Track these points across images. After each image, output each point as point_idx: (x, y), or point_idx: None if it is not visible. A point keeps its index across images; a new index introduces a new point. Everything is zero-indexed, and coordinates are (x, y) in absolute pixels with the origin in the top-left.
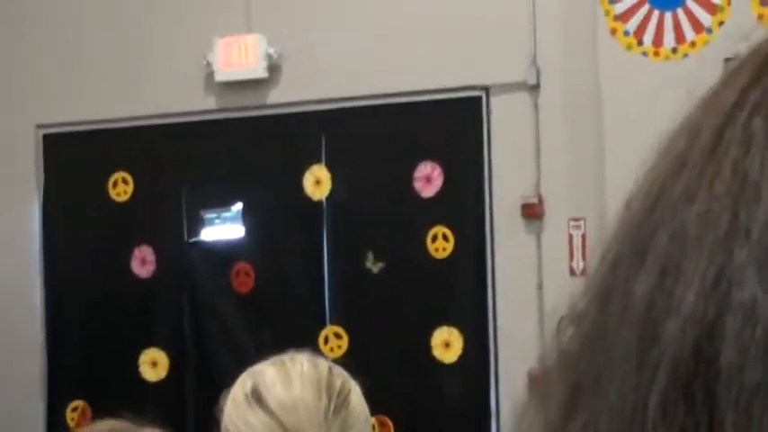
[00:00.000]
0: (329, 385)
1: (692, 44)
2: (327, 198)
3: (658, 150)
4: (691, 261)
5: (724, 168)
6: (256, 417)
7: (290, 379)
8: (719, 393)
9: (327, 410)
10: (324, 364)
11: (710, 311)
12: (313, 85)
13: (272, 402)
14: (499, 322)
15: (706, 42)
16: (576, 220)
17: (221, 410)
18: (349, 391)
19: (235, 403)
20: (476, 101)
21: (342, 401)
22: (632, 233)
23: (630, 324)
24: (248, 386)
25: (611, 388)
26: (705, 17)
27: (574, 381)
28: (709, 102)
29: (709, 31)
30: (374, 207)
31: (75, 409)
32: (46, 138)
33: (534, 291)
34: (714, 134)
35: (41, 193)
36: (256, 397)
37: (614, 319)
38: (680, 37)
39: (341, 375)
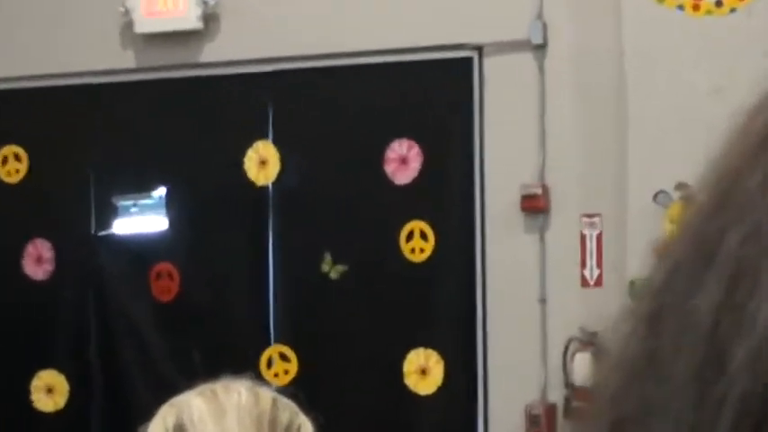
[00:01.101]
0: (273, 422)
1: None
2: (275, 183)
3: (730, 131)
4: None
5: None
6: None
7: (224, 413)
8: None
9: None
10: (267, 396)
11: None
12: (259, 39)
13: None
14: (490, 345)
15: None
16: (590, 216)
17: None
18: (298, 428)
19: None
20: (465, 63)
21: None
22: (696, 234)
23: (690, 348)
24: (170, 422)
25: (662, 429)
26: None
27: (616, 418)
28: None
29: None
30: (334, 196)
31: None
32: None
33: (536, 305)
34: None
35: None
36: None
37: (669, 342)
38: None
39: (288, 409)
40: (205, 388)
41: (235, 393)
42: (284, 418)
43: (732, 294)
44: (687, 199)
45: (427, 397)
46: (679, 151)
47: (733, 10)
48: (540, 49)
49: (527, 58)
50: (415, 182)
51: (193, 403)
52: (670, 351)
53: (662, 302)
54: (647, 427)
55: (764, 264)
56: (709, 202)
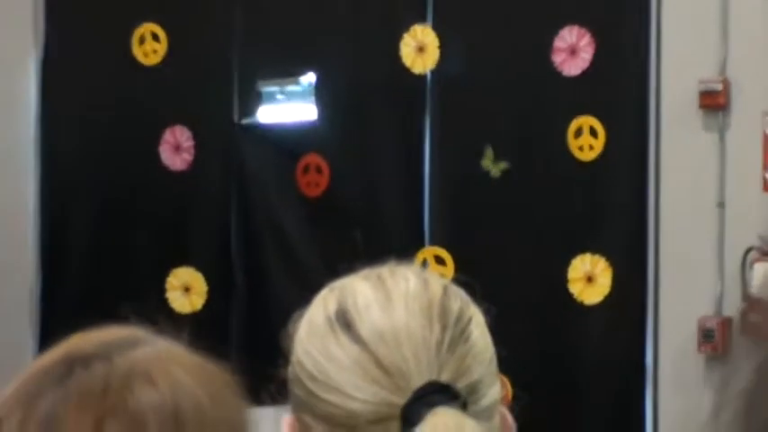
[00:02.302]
0: (444, 311)
1: None
2: (433, 71)
3: None
4: None
5: None
6: (343, 349)
7: (391, 300)
8: None
9: (440, 344)
10: (437, 283)
11: None
12: None
13: (365, 331)
14: (663, 252)
15: None
16: None
17: (290, 339)
18: (470, 319)
19: (312, 329)
20: None
21: (460, 333)
22: None
23: None
24: (332, 307)
25: None
26: None
27: None
28: None
29: None
30: (496, 86)
31: None
32: None
33: (713, 210)
34: None
35: (41, 50)
36: (343, 322)
37: None
38: None
39: (460, 298)
40: (371, 272)
41: (402, 280)
42: (455, 307)
43: None
44: None
45: (593, 306)
46: None
47: None
48: None
49: None
50: (586, 73)
51: (358, 288)
52: None
53: None
54: None
55: None
56: None
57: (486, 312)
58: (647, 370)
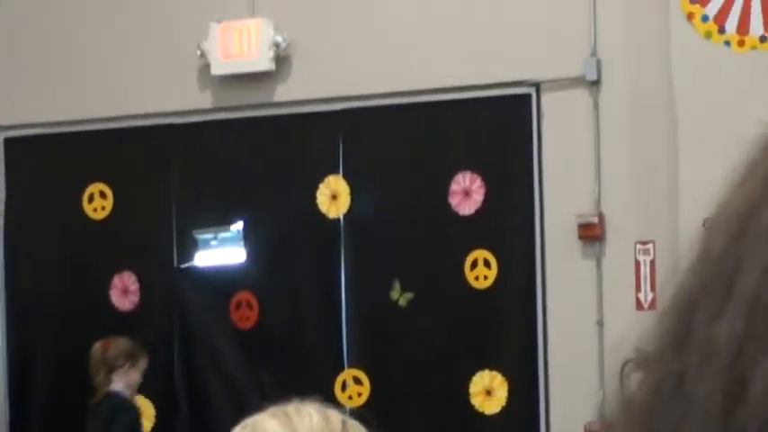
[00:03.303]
0: None
1: None
2: (346, 215)
3: (746, 164)
4: None
5: None
6: None
7: None
8: None
9: None
10: (337, 418)
11: None
12: (329, 80)
13: None
14: (551, 366)
15: None
16: (644, 243)
17: None
18: None
19: None
20: (524, 99)
21: None
22: (714, 264)
23: (713, 375)
24: None
25: None
26: None
27: None
28: None
29: None
30: (402, 227)
31: None
32: (8, 142)
33: (594, 328)
34: None
35: (1, 207)
36: None
37: (694, 367)
38: None
39: (357, 430)
40: (278, 410)
41: (306, 416)
42: None
43: (752, 324)
44: (705, 228)
45: (492, 416)
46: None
47: None
48: (595, 85)
49: (582, 94)
50: (479, 213)
51: (267, 425)
52: (695, 376)
53: (686, 327)
54: None
55: None
56: (726, 233)
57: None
58: None
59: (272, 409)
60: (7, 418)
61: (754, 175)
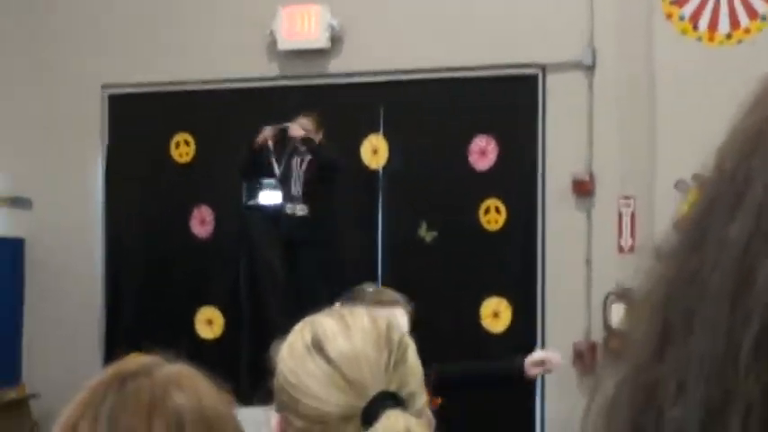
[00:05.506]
0: (389, 340)
1: (747, 30)
2: (384, 167)
3: (752, 98)
4: None
5: None
6: (318, 366)
7: (351, 331)
8: None
9: (388, 365)
10: (382, 319)
11: None
12: (372, 56)
13: (333, 353)
14: (547, 295)
15: (760, 29)
16: (627, 198)
17: (274, 360)
18: (407, 346)
19: (293, 352)
20: (532, 78)
21: (401, 356)
22: (727, 179)
23: (725, 267)
24: (307, 336)
25: (702, 330)
26: (760, 4)
27: (662, 322)
28: None
29: (764, 18)
30: (429, 178)
31: None
32: (111, 98)
33: (582, 266)
34: None
35: (105, 150)
36: (317, 347)
37: (708, 262)
38: (735, 23)
39: (398, 331)
40: (333, 311)
41: (358, 317)
42: (396, 338)
43: (758, 226)
44: (720, 148)
45: (499, 335)
46: (696, 149)
47: (740, 41)
48: (590, 69)
49: (579, 76)
50: (492, 169)
51: (326, 323)
52: (709, 269)
53: (703, 228)
54: (690, 330)
55: None
56: (737, 152)
57: (414, 340)
58: (535, 380)
59: (327, 310)
60: (105, 325)
61: (760, 104)
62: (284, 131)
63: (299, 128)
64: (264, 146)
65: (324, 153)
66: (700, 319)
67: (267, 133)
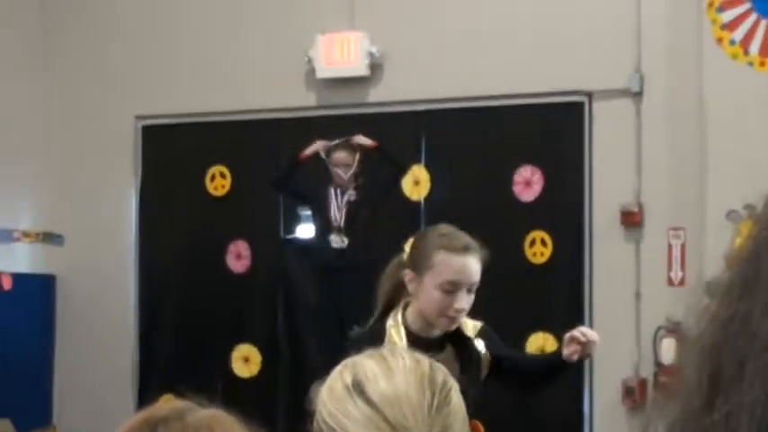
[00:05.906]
0: (432, 381)
1: None
2: (426, 199)
3: None
4: None
5: None
6: (358, 409)
7: (393, 372)
8: None
9: (431, 407)
10: (425, 359)
11: None
12: (414, 84)
13: (374, 395)
14: (595, 330)
15: None
16: (676, 229)
17: (313, 402)
18: (450, 387)
19: (333, 395)
20: (578, 106)
21: (444, 398)
22: None
23: None
24: (348, 378)
25: (756, 377)
26: None
27: (713, 366)
28: None
29: None
30: (473, 209)
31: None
32: (145, 129)
33: (632, 300)
34: None
35: (139, 183)
36: (358, 389)
37: (759, 308)
38: None
39: (441, 371)
40: (374, 352)
41: (400, 357)
42: (439, 379)
43: None
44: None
45: None
46: (748, 178)
47: None
48: (638, 96)
49: (627, 103)
50: (537, 200)
51: (366, 364)
52: (760, 315)
53: (754, 272)
54: (742, 377)
55: None
56: None
57: (459, 382)
58: (584, 417)
59: (368, 352)
60: (137, 364)
61: None
62: (337, 146)
63: (364, 138)
64: (312, 157)
65: (391, 151)
66: (751, 366)
67: (319, 145)
